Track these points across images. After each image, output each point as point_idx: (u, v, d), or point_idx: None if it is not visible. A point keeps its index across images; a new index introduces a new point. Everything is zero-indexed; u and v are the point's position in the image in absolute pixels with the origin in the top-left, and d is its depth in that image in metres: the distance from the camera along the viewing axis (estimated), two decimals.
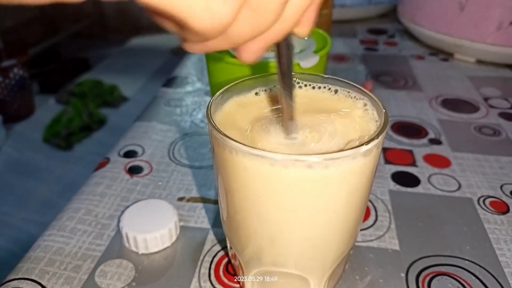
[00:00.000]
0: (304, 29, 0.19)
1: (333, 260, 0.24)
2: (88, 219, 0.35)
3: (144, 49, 2.85)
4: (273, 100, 0.26)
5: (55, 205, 1.57)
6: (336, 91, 0.26)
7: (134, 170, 0.40)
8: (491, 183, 0.38)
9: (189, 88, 0.57)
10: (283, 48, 0.20)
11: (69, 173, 1.73)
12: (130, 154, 0.43)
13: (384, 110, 0.22)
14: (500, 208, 0.35)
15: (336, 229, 0.22)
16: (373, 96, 0.24)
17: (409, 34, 0.76)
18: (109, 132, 2.03)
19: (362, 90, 0.24)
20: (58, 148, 1.90)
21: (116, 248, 0.32)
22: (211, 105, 0.23)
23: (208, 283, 0.29)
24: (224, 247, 0.32)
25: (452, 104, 0.52)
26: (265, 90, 0.26)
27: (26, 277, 0.30)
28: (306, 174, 0.19)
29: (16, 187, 1.65)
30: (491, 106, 0.52)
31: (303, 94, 0.26)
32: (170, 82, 0.59)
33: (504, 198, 0.37)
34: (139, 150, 0.43)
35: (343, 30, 0.79)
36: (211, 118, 0.21)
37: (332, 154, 0.19)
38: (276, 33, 0.17)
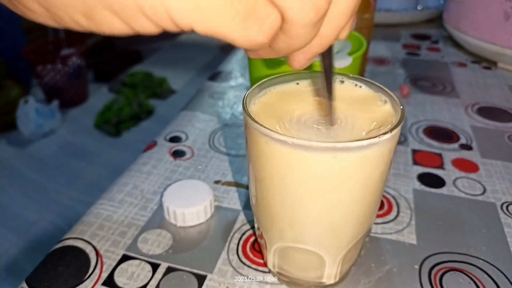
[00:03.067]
0: (343, 34, 0.22)
1: (347, 242, 0.26)
2: (134, 193, 0.39)
3: (194, 44, 2.94)
4: (307, 94, 0.28)
5: (101, 187, 1.66)
6: (362, 89, 0.28)
7: (177, 154, 0.44)
8: None
9: (232, 82, 0.61)
10: (325, 51, 0.22)
11: (116, 158, 1.83)
12: (175, 139, 0.47)
13: (401, 107, 0.24)
14: None
15: (349, 213, 0.25)
16: (393, 96, 0.26)
17: (453, 41, 0.75)
18: (156, 122, 2.12)
19: (384, 90, 0.27)
20: (108, 134, 2.01)
21: (158, 219, 0.36)
22: (247, 95, 0.26)
23: (236, 257, 0.32)
24: (252, 227, 0.35)
25: (488, 111, 0.53)
26: (300, 85, 0.29)
27: (80, 237, 0.34)
28: (322, 161, 0.22)
29: (67, 168, 1.76)
30: None
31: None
32: (215, 76, 0.63)
33: None
34: (183, 136, 0.48)
35: (387, 34, 0.80)
36: (246, 105, 0.25)
37: (347, 143, 0.21)
38: (317, 47, 0.20)
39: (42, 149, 1.88)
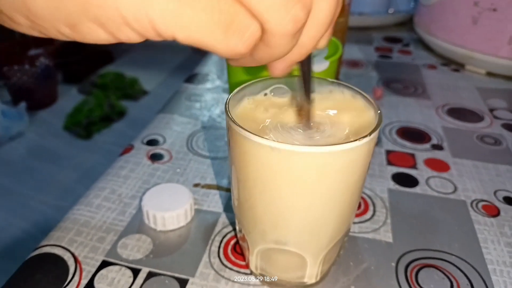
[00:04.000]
0: (321, 43, 0.22)
1: (328, 242, 0.27)
2: (112, 197, 0.38)
3: (166, 45, 2.90)
4: (289, 98, 0.29)
5: (72, 191, 1.63)
6: (340, 93, 0.29)
7: (155, 157, 0.44)
8: (486, 189, 0.41)
9: (208, 85, 0.61)
10: (305, 58, 0.23)
11: (88, 161, 1.79)
12: (152, 142, 0.47)
13: (379, 111, 0.25)
14: (491, 211, 0.38)
15: (330, 214, 0.25)
16: (371, 100, 0.27)
17: (423, 44, 0.78)
18: (128, 123, 2.09)
19: (362, 94, 0.27)
20: (78, 136, 1.96)
21: (136, 224, 0.36)
22: (229, 99, 0.26)
23: (217, 259, 0.32)
24: (234, 229, 0.35)
25: (458, 113, 0.55)
26: (279, 89, 0.29)
27: (57, 244, 0.34)
28: (304, 164, 0.22)
29: (37, 172, 1.71)
30: (496, 117, 0.54)
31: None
32: (191, 78, 0.63)
33: (497, 203, 0.39)
34: (160, 139, 0.47)
35: (360, 37, 0.82)
36: (228, 110, 0.25)
37: (329, 147, 0.22)
38: (296, 55, 0.20)
39: (10, 152, 1.82)
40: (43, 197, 1.57)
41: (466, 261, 0.33)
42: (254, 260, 0.29)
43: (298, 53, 0.20)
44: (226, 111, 0.25)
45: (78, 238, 0.34)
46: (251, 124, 0.26)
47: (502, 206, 0.39)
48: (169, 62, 2.67)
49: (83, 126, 2.00)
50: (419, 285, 0.31)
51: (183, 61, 2.67)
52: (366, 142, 0.23)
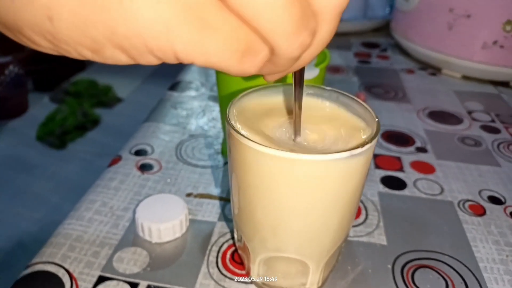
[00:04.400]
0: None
1: (328, 249, 0.27)
2: (104, 210, 0.38)
3: None
4: (283, 107, 0.29)
5: (47, 202, 1.58)
6: (336, 101, 0.29)
7: (145, 167, 0.44)
8: (471, 189, 0.42)
9: (193, 92, 0.60)
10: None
11: (63, 171, 1.74)
12: (140, 152, 0.46)
13: (376, 119, 0.26)
14: (478, 211, 0.39)
15: (330, 222, 0.26)
16: (367, 107, 0.27)
17: (400, 49, 0.80)
18: (103, 132, 2.05)
19: (357, 101, 0.28)
20: (52, 146, 1.91)
21: (131, 237, 0.35)
22: (230, 108, 0.26)
23: (216, 269, 0.32)
24: (232, 238, 0.35)
25: (438, 116, 0.57)
26: (275, 98, 0.30)
27: (50, 260, 0.33)
28: (306, 172, 0.23)
29: (9, 183, 1.66)
30: (474, 119, 0.56)
31: (308, 102, 0.30)
32: (175, 86, 0.62)
33: (482, 202, 0.40)
34: (148, 149, 0.47)
35: (339, 42, 0.83)
36: (229, 118, 0.25)
37: (330, 155, 0.22)
38: (294, 68, 0.21)
39: None
40: (16, 209, 1.52)
41: (458, 260, 0.34)
42: (256, 268, 0.29)
43: (297, 66, 0.21)
44: (227, 119, 0.25)
45: (71, 254, 0.33)
46: (251, 132, 0.26)
47: (487, 205, 0.40)
48: (143, 68, 2.64)
49: (56, 135, 1.95)
50: (416, 286, 0.31)
51: (157, 67, 2.64)
52: (367, 149, 0.23)
